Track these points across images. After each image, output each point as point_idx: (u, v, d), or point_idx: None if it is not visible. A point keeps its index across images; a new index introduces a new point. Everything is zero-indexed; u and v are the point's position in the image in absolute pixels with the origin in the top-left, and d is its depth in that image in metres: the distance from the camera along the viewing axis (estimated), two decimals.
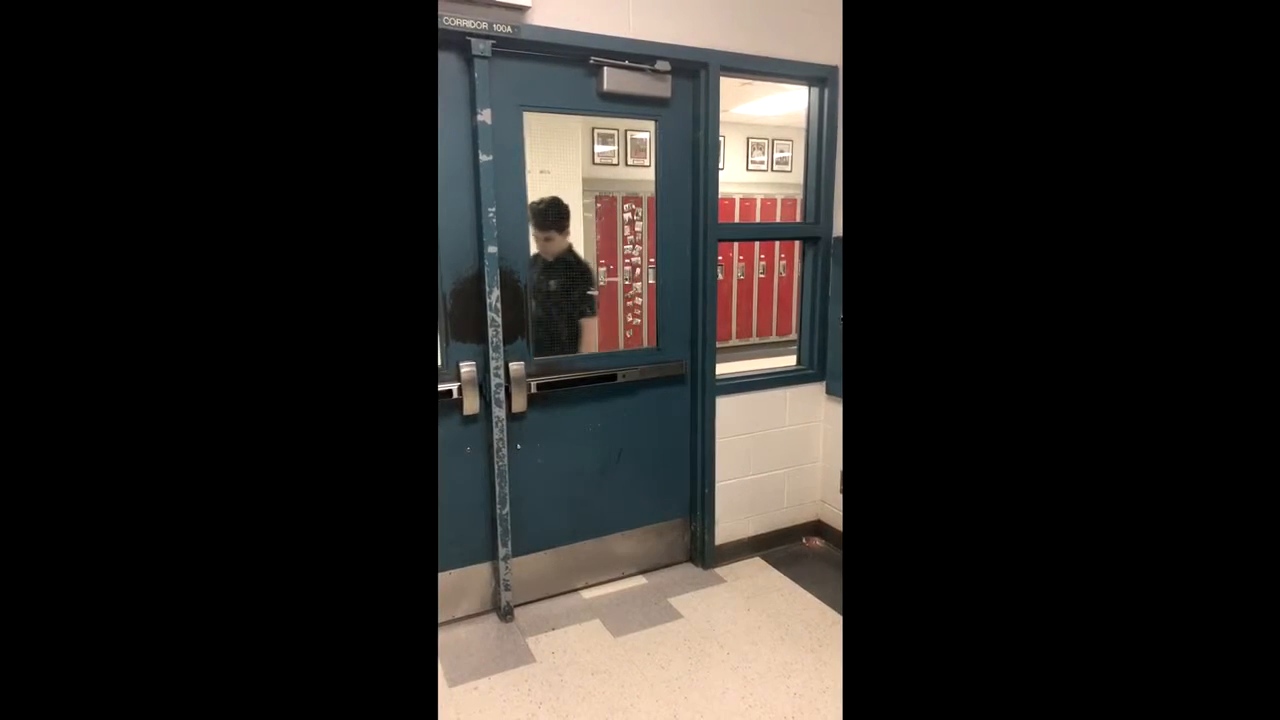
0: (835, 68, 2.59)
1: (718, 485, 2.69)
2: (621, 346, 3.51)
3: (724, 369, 2.70)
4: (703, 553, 2.71)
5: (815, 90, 2.67)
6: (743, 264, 7.03)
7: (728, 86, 2.62)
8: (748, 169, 7.06)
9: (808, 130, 2.73)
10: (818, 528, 2.98)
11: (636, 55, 2.23)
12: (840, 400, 2.79)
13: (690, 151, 2.47)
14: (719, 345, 2.63)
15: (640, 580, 2.64)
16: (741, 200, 6.88)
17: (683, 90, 2.41)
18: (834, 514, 2.91)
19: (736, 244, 6.81)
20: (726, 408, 2.66)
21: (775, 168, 7.22)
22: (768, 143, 7.11)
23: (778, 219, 7.06)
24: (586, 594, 2.55)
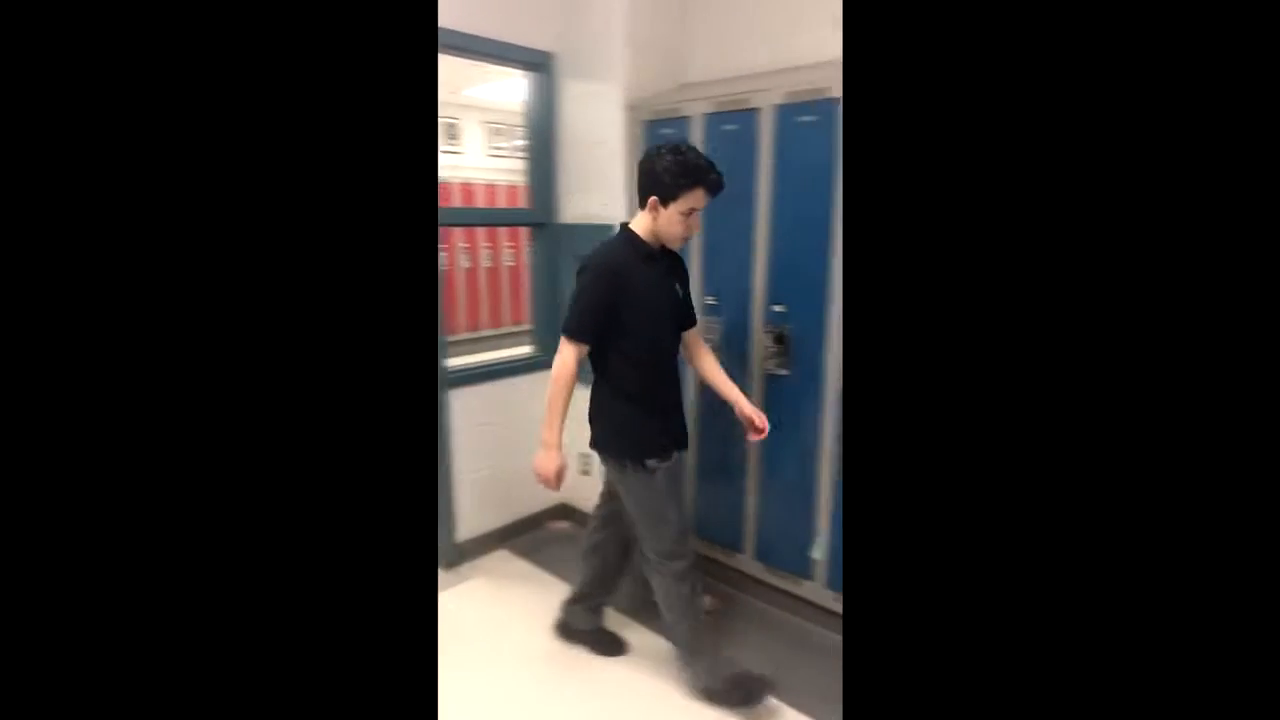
0: (551, 54, 2.61)
1: (464, 480, 2.61)
2: None
3: (459, 361, 2.60)
4: (443, 553, 2.61)
5: (533, 76, 2.66)
6: (466, 250, 6.60)
7: (459, 66, 2.50)
8: (487, 155, 6.91)
9: (526, 116, 2.72)
10: (565, 511, 3.03)
11: None
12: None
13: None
14: (452, 339, 2.53)
15: None
16: (486, 187, 6.70)
17: None
18: (578, 496, 2.97)
19: (458, 230, 6.28)
20: (466, 399, 2.57)
21: (519, 154, 7.15)
22: (508, 129, 7.02)
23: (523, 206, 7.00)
24: None
